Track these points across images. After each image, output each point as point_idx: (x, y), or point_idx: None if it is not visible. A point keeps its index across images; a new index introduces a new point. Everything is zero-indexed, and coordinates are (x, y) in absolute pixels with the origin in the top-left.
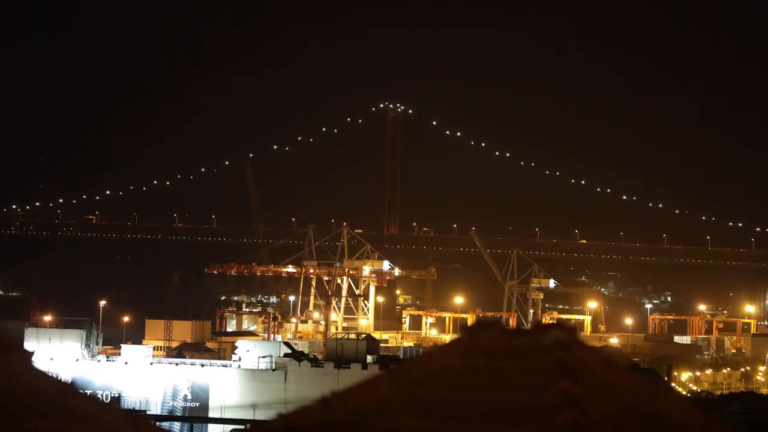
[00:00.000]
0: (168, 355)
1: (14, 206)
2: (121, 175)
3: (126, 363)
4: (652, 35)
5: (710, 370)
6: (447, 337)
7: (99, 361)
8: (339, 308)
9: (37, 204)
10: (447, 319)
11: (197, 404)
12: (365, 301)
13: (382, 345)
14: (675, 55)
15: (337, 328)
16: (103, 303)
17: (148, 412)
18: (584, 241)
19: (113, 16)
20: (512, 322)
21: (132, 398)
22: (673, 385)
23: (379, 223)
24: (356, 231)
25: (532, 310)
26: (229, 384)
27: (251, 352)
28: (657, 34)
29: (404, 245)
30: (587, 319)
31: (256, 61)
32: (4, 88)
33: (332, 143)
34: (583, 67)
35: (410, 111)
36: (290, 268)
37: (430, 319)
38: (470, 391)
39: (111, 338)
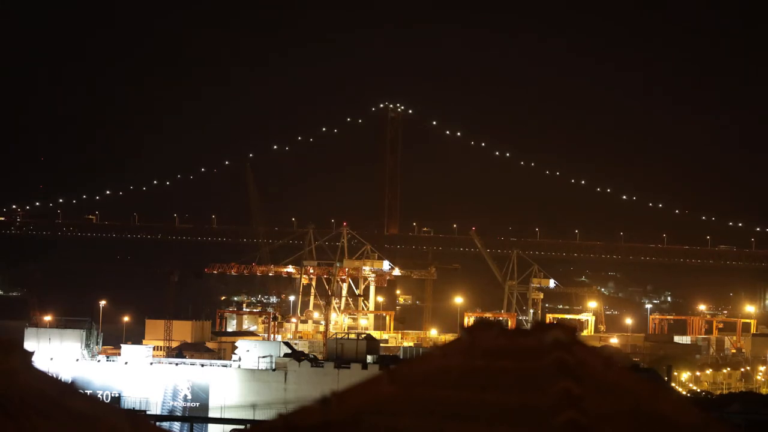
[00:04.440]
0: (168, 355)
1: (14, 206)
2: (121, 175)
3: (126, 363)
4: (651, 35)
5: (710, 370)
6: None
7: (99, 361)
8: (340, 308)
9: (37, 204)
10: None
11: (197, 404)
12: (365, 301)
13: (382, 345)
14: (674, 55)
15: (343, 328)
16: (103, 303)
17: (148, 412)
18: (584, 241)
19: (113, 17)
20: (512, 323)
21: (132, 398)
22: (673, 385)
23: (379, 223)
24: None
25: (531, 310)
26: (229, 384)
27: (251, 352)
28: (656, 34)
29: (404, 245)
30: (591, 319)
31: (256, 61)
32: (4, 88)
33: (332, 143)
34: (584, 67)
35: (410, 111)
36: (290, 268)
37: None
38: (470, 391)
39: (111, 338)
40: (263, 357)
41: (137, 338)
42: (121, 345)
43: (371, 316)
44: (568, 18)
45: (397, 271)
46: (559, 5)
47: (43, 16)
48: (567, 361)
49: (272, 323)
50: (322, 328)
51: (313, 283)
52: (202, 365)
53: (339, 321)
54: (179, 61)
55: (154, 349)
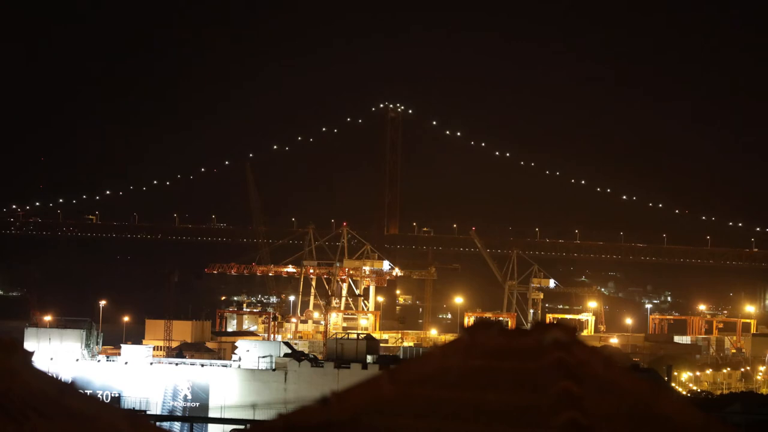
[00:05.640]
0: (168, 355)
1: (14, 206)
2: (121, 175)
3: (126, 363)
4: (650, 36)
5: (710, 370)
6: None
7: (99, 361)
8: (340, 308)
9: (37, 204)
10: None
11: (197, 404)
12: (365, 301)
13: (382, 345)
14: (673, 56)
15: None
16: (103, 303)
17: (148, 412)
18: (584, 241)
19: (115, 19)
20: (512, 323)
21: (132, 398)
22: (673, 385)
23: (379, 224)
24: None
25: (532, 310)
26: (229, 384)
27: (251, 352)
28: (655, 34)
29: (404, 245)
30: (591, 319)
31: (256, 62)
32: (6, 88)
33: (332, 143)
34: (583, 68)
35: (410, 111)
36: (290, 268)
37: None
38: (470, 391)
39: (111, 338)
40: (263, 357)
41: (137, 338)
42: (121, 345)
43: (371, 316)
44: (568, 20)
45: (397, 271)
46: (559, 8)
47: (44, 17)
48: (567, 361)
49: (272, 323)
50: (322, 328)
51: (313, 283)
52: (202, 365)
53: (336, 321)
54: (178, 61)
55: (154, 349)
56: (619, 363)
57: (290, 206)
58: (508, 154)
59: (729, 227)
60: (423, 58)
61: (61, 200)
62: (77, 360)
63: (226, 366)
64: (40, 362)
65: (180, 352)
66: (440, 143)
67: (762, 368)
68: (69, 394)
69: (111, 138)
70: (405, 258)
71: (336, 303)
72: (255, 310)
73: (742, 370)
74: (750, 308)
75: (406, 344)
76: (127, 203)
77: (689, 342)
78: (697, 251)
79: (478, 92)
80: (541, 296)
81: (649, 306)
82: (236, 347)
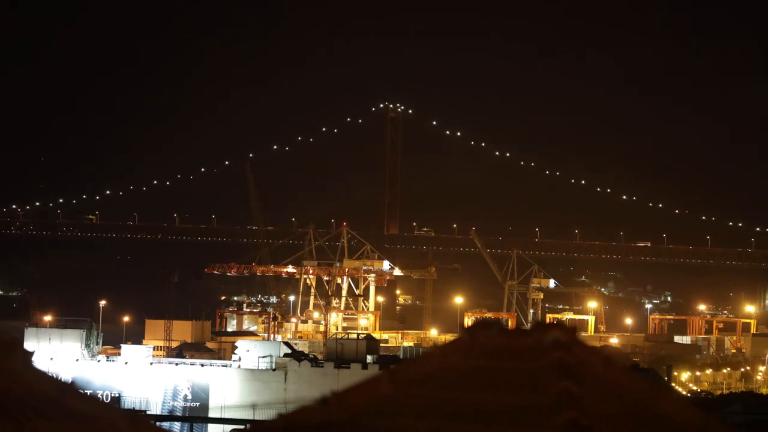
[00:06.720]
0: (168, 355)
1: (14, 206)
2: (121, 175)
3: (126, 363)
4: (648, 37)
5: (710, 370)
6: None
7: (99, 361)
8: (340, 308)
9: (37, 204)
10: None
11: (197, 404)
12: (365, 301)
13: (382, 345)
14: (673, 58)
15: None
16: (103, 303)
17: (148, 412)
18: (584, 241)
19: (115, 19)
20: (512, 323)
21: (132, 398)
22: (673, 385)
23: (379, 223)
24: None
25: (532, 310)
26: (229, 384)
27: (251, 352)
28: (653, 35)
29: (404, 245)
30: (591, 319)
31: (256, 62)
32: (8, 89)
33: (332, 143)
34: (583, 69)
35: (410, 111)
36: (290, 268)
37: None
38: (470, 391)
39: (111, 338)
40: (263, 357)
41: (137, 338)
42: (121, 345)
43: (371, 316)
44: (568, 20)
45: (397, 271)
46: (559, 8)
47: (44, 17)
48: (567, 361)
49: (272, 323)
50: (322, 328)
51: (313, 283)
52: (202, 365)
53: (336, 321)
54: (179, 61)
55: (154, 349)
56: (619, 363)
57: (290, 206)
58: (508, 154)
59: (729, 227)
60: (423, 59)
61: (61, 200)
62: (77, 360)
63: (226, 366)
64: (40, 362)
65: (180, 352)
66: (440, 143)
67: (762, 368)
68: (69, 394)
69: (111, 138)
70: (405, 258)
71: (336, 303)
72: (255, 310)
73: (742, 370)
74: (750, 308)
75: (406, 344)
76: (127, 203)
77: (689, 342)
78: (697, 251)
79: (478, 92)
80: (541, 296)
81: (649, 306)
82: (236, 347)
